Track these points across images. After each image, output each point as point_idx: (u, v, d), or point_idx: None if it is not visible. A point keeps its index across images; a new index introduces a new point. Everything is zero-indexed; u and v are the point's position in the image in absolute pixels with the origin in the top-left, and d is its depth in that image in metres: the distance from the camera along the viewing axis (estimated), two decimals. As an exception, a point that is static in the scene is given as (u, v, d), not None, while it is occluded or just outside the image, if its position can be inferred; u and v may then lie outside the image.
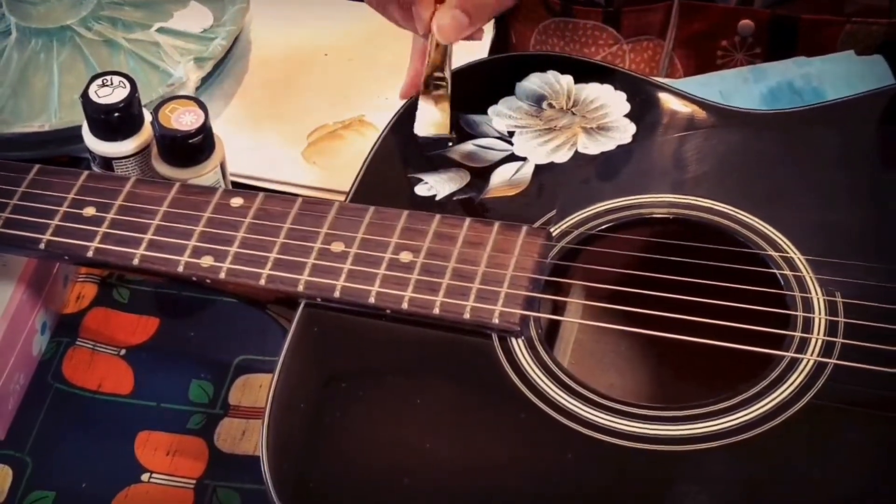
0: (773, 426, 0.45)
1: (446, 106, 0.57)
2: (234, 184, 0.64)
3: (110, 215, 0.53)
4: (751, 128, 0.57)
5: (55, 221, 0.53)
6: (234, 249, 0.52)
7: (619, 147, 0.57)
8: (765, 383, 0.47)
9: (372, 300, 0.50)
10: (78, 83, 0.68)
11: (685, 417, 0.46)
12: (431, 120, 0.57)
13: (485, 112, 0.59)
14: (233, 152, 0.62)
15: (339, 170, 0.66)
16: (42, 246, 0.53)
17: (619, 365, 0.55)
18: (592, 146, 0.57)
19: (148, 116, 0.60)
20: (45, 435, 0.56)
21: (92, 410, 0.57)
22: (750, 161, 0.56)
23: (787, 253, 0.51)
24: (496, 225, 0.52)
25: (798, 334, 0.48)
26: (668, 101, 0.59)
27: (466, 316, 0.49)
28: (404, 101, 0.60)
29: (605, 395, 0.47)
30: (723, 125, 0.57)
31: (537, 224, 0.53)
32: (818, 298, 0.49)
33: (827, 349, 0.47)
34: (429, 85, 0.57)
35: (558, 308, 0.54)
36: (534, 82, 0.60)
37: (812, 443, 0.45)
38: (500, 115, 0.59)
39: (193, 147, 0.58)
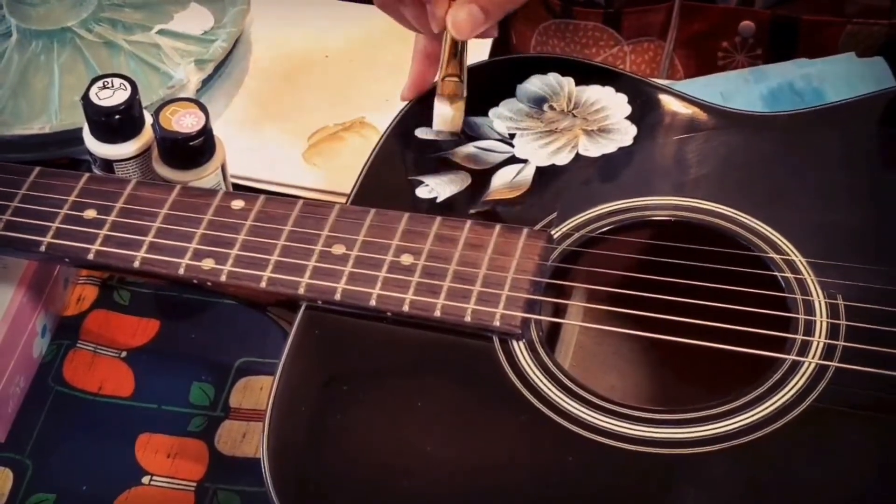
0: (775, 429, 0.45)
1: (461, 105, 0.57)
2: (235, 185, 0.64)
3: (111, 218, 0.53)
4: (752, 130, 0.57)
5: (56, 224, 0.53)
6: (234, 252, 0.52)
7: (620, 149, 0.57)
8: (766, 386, 0.47)
9: (373, 303, 0.50)
10: (78, 85, 0.68)
11: (686, 420, 0.46)
12: (446, 119, 0.57)
13: (485, 114, 0.59)
14: (233, 154, 0.62)
15: (340, 171, 0.66)
16: (43, 248, 0.53)
17: (620, 367, 0.55)
18: (593, 148, 0.57)
19: (149, 119, 0.60)
20: (46, 437, 0.56)
21: (92, 413, 0.57)
22: (751, 163, 0.55)
23: (789, 255, 0.51)
24: (497, 227, 0.52)
25: (799, 337, 0.48)
26: (669, 103, 0.59)
27: (467, 319, 0.49)
28: (405, 103, 0.60)
29: (606, 398, 0.47)
30: (724, 127, 0.57)
31: (538, 226, 0.53)
32: (819, 301, 0.49)
33: (828, 352, 0.47)
34: (444, 83, 0.57)
35: (559, 310, 0.54)
36: (535, 84, 0.60)
37: (814, 446, 0.45)
38: (501, 118, 0.59)
39: (194, 149, 0.58)
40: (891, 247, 0.51)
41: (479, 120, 0.59)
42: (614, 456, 0.45)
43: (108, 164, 0.59)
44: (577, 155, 0.57)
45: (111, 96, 0.58)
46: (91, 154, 0.60)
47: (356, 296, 0.50)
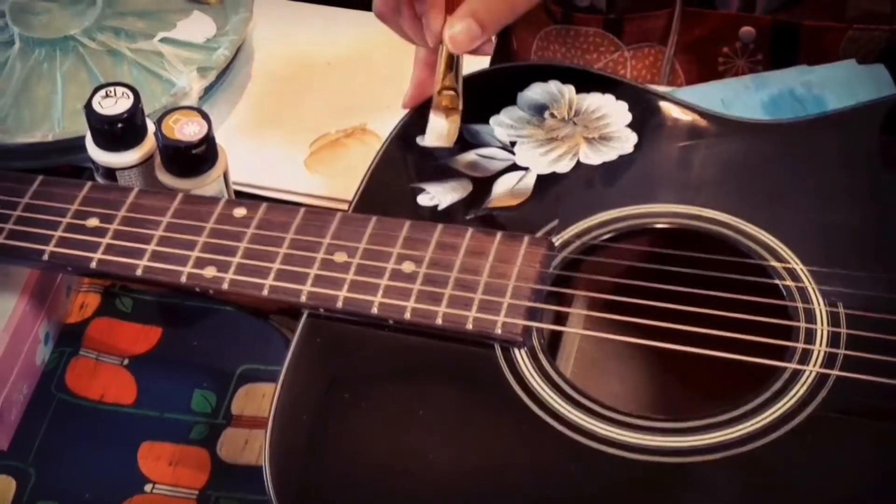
0: (776, 438, 0.45)
1: (457, 118, 0.58)
2: (237, 192, 0.64)
3: (113, 226, 0.54)
4: (752, 137, 0.57)
5: (58, 233, 0.54)
6: (237, 260, 0.52)
7: (620, 157, 0.57)
8: (767, 395, 0.47)
9: (374, 311, 0.50)
10: (81, 93, 0.68)
11: (688, 429, 0.46)
12: (441, 132, 0.57)
13: (486, 122, 0.59)
14: (236, 161, 0.62)
15: (342, 178, 0.66)
16: (45, 257, 0.53)
17: (621, 374, 0.55)
18: (594, 156, 0.57)
19: (151, 127, 0.60)
20: (49, 445, 0.56)
21: (95, 420, 0.57)
22: (752, 171, 0.56)
23: (789, 263, 0.51)
24: (498, 235, 0.52)
25: (800, 345, 0.48)
26: (670, 111, 0.59)
27: (469, 326, 0.49)
28: (407, 111, 0.60)
29: (607, 406, 0.47)
30: (724, 135, 0.57)
31: (539, 234, 0.53)
32: (820, 309, 0.49)
33: (829, 360, 0.47)
34: (440, 97, 0.57)
35: (561, 318, 0.54)
36: (535, 92, 0.60)
37: (814, 455, 0.45)
38: (502, 125, 0.59)
39: (197, 157, 0.58)
40: (892, 255, 0.51)
41: (480, 127, 0.59)
42: (615, 464, 0.45)
43: (110, 173, 0.60)
44: (578, 163, 0.57)
45: (114, 105, 0.58)
46: (93, 162, 0.60)
47: (358, 304, 0.50)
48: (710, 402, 0.47)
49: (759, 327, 0.48)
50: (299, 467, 0.47)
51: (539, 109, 0.59)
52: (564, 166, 0.57)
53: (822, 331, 0.48)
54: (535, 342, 0.49)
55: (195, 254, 0.52)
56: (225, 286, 0.52)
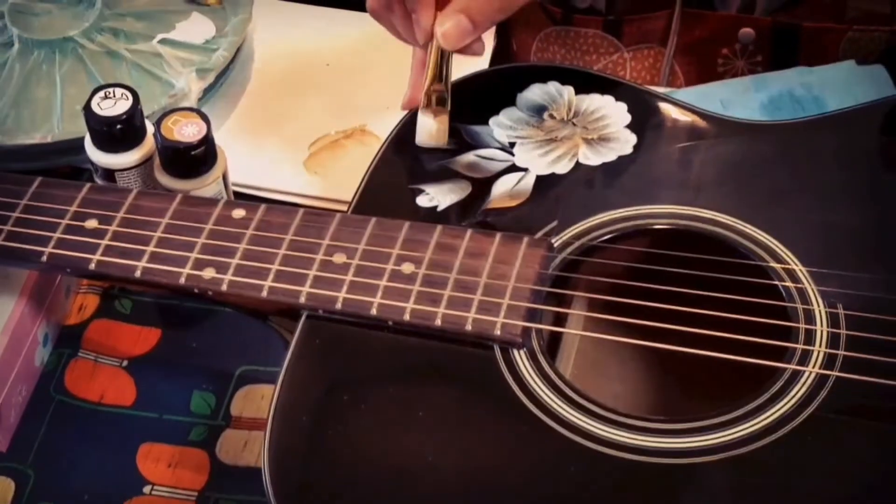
0: (775, 439, 0.45)
1: (445, 118, 0.57)
2: (236, 193, 0.64)
3: (112, 227, 0.54)
4: (752, 138, 0.57)
5: (57, 234, 0.54)
6: (235, 261, 0.52)
7: (620, 158, 0.57)
8: (767, 396, 0.47)
9: (374, 312, 0.50)
10: (80, 94, 0.68)
11: (687, 430, 0.46)
12: (430, 131, 0.57)
13: (486, 122, 0.59)
14: (235, 162, 0.62)
15: (341, 179, 0.66)
16: (44, 259, 0.53)
17: (621, 375, 0.55)
18: (593, 157, 0.57)
19: (150, 128, 0.60)
20: (48, 447, 0.56)
21: (94, 422, 0.57)
22: (751, 172, 0.56)
23: (789, 264, 0.51)
24: (498, 236, 0.52)
25: (800, 346, 0.48)
26: (669, 112, 0.59)
27: (468, 327, 0.49)
28: (406, 112, 0.60)
29: (607, 407, 0.47)
30: (724, 136, 0.57)
31: (539, 235, 0.53)
32: (820, 310, 0.49)
33: (829, 361, 0.47)
34: (429, 97, 0.57)
35: (560, 319, 0.54)
36: (535, 93, 0.60)
37: (814, 455, 0.45)
38: (502, 126, 0.59)
39: (196, 158, 0.58)
40: (891, 256, 0.51)
41: (479, 128, 0.59)
42: (615, 465, 0.45)
43: (109, 174, 0.60)
44: (578, 163, 0.57)
45: (113, 106, 0.58)
46: (92, 163, 0.60)
47: (357, 305, 0.50)
48: (709, 404, 0.47)
49: (759, 328, 0.48)
50: (298, 469, 0.47)
51: (538, 110, 0.59)
52: (564, 167, 0.57)
53: (821, 332, 0.48)
54: (535, 343, 0.49)
55: (194, 255, 0.52)
56: (224, 287, 0.52)
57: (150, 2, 0.74)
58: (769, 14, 0.70)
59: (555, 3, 0.74)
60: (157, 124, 0.58)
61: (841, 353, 0.47)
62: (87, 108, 0.58)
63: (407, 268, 0.51)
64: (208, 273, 0.52)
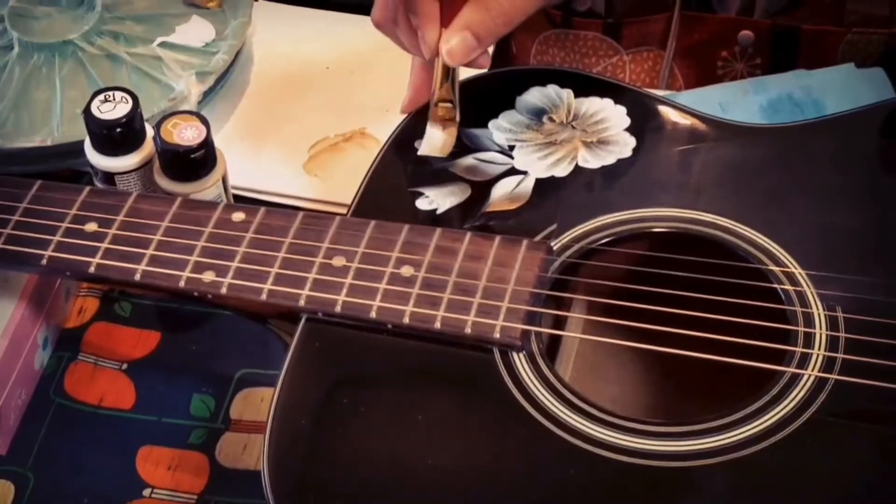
0: (774, 442, 0.45)
1: (453, 130, 0.58)
2: (236, 197, 0.64)
3: (112, 231, 0.54)
4: (751, 141, 0.57)
5: (57, 237, 0.54)
6: (235, 264, 0.52)
7: (619, 161, 0.57)
8: (766, 399, 0.47)
9: (373, 315, 0.50)
10: (80, 97, 0.68)
11: (686, 433, 0.46)
12: (436, 144, 0.57)
13: (485, 126, 0.59)
14: (234, 165, 0.62)
15: (341, 182, 0.66)
16: (44, 262, 0.53)
17: (621, 378, 0.55)
18: (593, 160, 0.57)
19: (150, 131, 0.60)
20: (47, 450, 0.56)
21: (93, 425, 0.57)
22: (750, 174, 0.56)
23: (788, 268, 0.51)
24: (497, 239, 0.52)
25: (799, 349, 0.48)
26: (669, 115, 0.59)
27: (468, 331, 0.49)
28: (405, 115, 0.60)
29: (606, 410, 0.47)
30: (723, 139, 0.57)
31: (538, 238, 0.53)
32: (819, 314, 0.49)
33: (828, 365, 0.47)
34: (437, 108, 0.58)
35: (560, 322, 0.54)
36: (534, 96, 0.60)
37: (813, 458, 0.45)
38: (501, 129, 0.59)
39: (195, 162, 0.58)
40: (890, 259, 0.51)
41: (478, 132, 0.59)
42: (614, 468, 0.45)
43: (109, 177, 0.60)
44: (577, 167, 0.57)
45: (113, 109, 0.58)
46: (92, 167, 0.60)
47: (356, 308, 0.50)
48: (708, 406, 0.47)
49: (758, 331, 0.48)
50: (298, 471, 0.47)
51: (538, 113, 0.59)
52: (563, 170, 0.57)
53: (820, 335, 0.48)
54: (534, 346, 0.49)
55: (194, 258, 0.52)
56: (223, 290, 0.52)
57: (149, 5, 0.74)
58: (768, 17, 0.70)
59: (554, 6, 0.74)
60: (157, 127, 0.58)
61: (840, 356, 0.48)
62: (86, 111, 0.58)
63: (406, 271, 0.51)
64: (208, 276, 0.52)
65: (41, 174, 0.58)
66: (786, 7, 0.70)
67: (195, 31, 0.72)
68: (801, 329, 0.49)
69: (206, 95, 0.70)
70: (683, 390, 0.54)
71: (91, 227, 0.54)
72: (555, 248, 0.53)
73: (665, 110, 0.59)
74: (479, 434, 0.47)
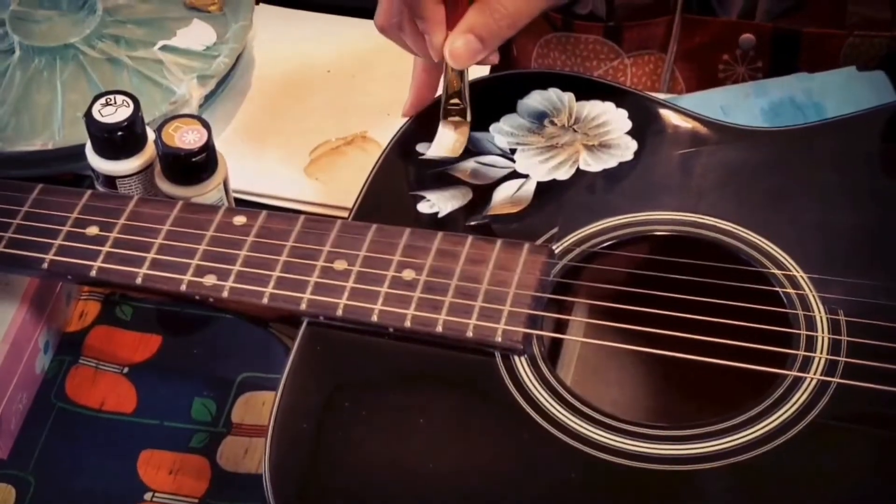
0: (776, 446, 0.45)
1: (465, 130, 0.58)
2: (237, 200, 0.64)
3: (113, 234, 0.54)
4: (752, 145, 0.57)
5: (58, 241, 0.54)
6: (236, 268, 0.52)
7: (620, 164, 0.57)
8: (768, 402, 0.47)
9: (374, 318, 0.50)
10: (81, 101, 0.68)
11: (688, 437, 0.46)
12: (448, 145, 0.57)
13: (487, 129, 0.59)
14: (236, 169, 0.62)
15: (342, 186, 0.66)
16: (45, 266, 0.53)
17: (622, 382, 0.55)
18: (594, 163, 0.57)
19: (151, 135, 0.60)
20: (48, 454, 0.56)
21: (95, 429, 0.57)
22: (752, 178, 0.56)
23: (790, 271, 0.51)
24: (498, 242, 0.52)
25: (801, 353, 0.48)
26: (670, 118, 0.59)
27: (469, 334, 0.49)
28: (407, 119, 0.60)
29: (607, 414, 0.47)
30: (725, 142, 0.57)
31: (540, 241, 0.53)
32: (821, 317, 0.49)
33: (830, 368, 0.47)
34: (448, 110, 0.58)
35: (561, 326, 0.54)
36: (535, 99, 0.60)
37: (815, 462, 0.45)
38: (502, 133, 0.59)
39: (197, 165, 0.58)
40: (893, 262, 0.51)
41: (480, 135, 0.59)
42: (616, 472, 0.45)
43: (110, 181, 0.60)
44: (578, 170, 0.57)
45: (114, 113, 0.58)
46: (93, 170, 0.60)
47: (358, 311, 0.50)
48: (710, 410, 0.47)
49: (760, 335, 0.48)
50: (299, 476, 0.47)
51: (539, 117, 0.59)
52: (564, 174, 0.57)
53: (822, 338, 0.48)
54: (536, 350, 0.49)
55: (195, 262, 0.52)
56: (225, 294, 0.52)
57: (150, 9, 0.74)
58: (770, 20, 0.70)
59: (555, 10, 0.74)
60: (158, 131, 0.58)
61: (842, 359, 0.47)
62: (87, 114, 0.58)
63: (408, 274, 0.51)
64: (209, 280, 0.52)
65: (42, 178, 0.58)
66: (787, 10, 0.70)
67: (196, 34, 0.72)
68: (803, 332, 0.49)
69: (208, 99, 0.70)
70: (685, 394, 0.53)
71: (92, 230, 0.54)
72: (556, 251, 0.53)
73: (666, 113, 0.59)
74: (480, 437, 0.47)
